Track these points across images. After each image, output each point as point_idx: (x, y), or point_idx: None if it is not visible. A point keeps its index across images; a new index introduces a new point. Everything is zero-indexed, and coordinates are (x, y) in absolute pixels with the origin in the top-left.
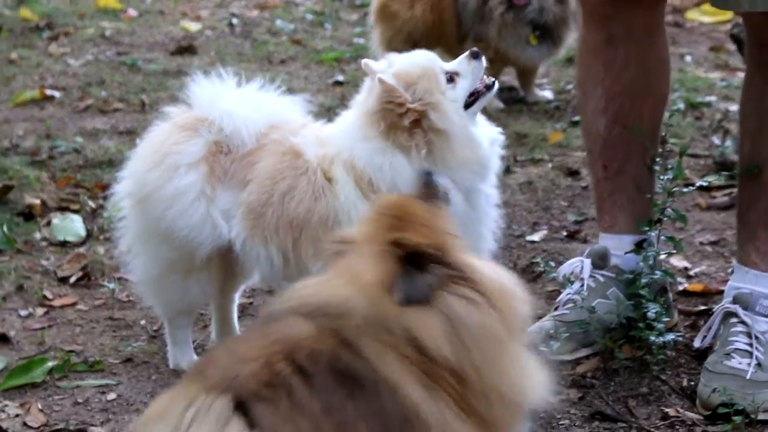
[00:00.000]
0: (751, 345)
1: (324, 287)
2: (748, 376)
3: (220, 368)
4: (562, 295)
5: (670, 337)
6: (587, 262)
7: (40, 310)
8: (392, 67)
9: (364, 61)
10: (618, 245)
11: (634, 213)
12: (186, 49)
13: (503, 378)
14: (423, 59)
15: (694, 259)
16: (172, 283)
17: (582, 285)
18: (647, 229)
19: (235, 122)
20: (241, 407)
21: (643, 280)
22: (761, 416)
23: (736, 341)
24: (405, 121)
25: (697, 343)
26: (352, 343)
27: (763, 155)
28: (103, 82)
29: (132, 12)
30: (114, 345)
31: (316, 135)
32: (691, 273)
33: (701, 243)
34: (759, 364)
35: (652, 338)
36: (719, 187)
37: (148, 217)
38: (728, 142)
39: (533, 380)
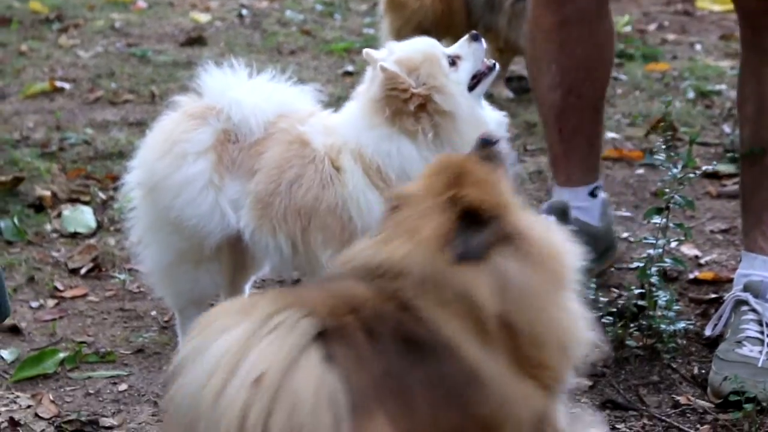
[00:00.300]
0: (762, 333)
1: (381, 246)
2: (759, 364)
3: (298, 297)
4: None
5: (681, 325)
6: (551, 218)
7: (51, 302)
8: (393, 54)
9: (365, 50)
10: (575, 197)
11: (588, 167)
12: (195, 40)
13: (554, 327)
14: (423, 45)
15: (705, 247)
16: (182, 273)
17: None
18: (656, 217)
19: (243, 111)
20: (321, 336)
21: (654, 268)
22: None
23: (747, 329)
24: (410, 106)
25: (708, 332)
26: (411, 306)
27: (765, 138)
28: (113, 74)
29: (141, 3)
30: (125, 336)
31: (324, 124)
32: (702, 261)
33: (712, 231)
34: None
35: (663, 326)
36: (729, 175)
37: (158, 207)
38: (738, 131)
39: (581, 327)
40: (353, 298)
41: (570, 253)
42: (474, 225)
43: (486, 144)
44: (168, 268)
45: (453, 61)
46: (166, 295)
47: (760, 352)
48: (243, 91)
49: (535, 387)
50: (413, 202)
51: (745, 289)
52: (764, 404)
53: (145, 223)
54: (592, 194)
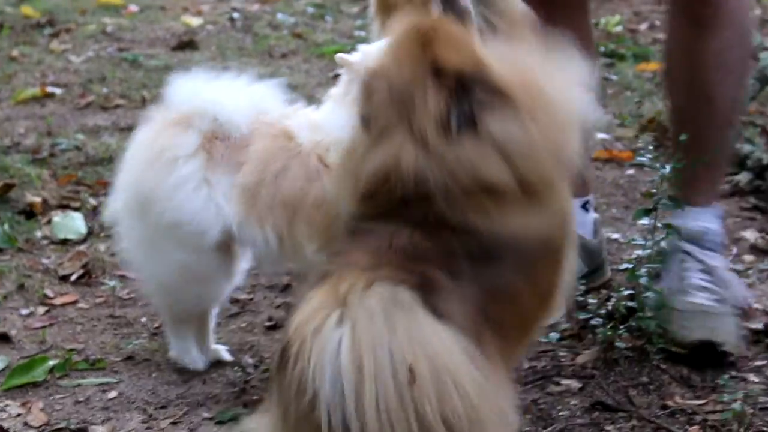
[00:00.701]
0: (708, 280)
1: (380, 149)
2: (712, 311)
3: (372, 267)
4: None
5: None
6: None
7: (41, 309)
8: (367, 57)
9: (337, 55)
10: None
11: (577, 178)
12: (187, 44)
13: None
14: None
15: None
16: (183, 286)
17: None
18: (644, 218)
19: (226, 109)
20: (421, 298)
21: (643, 270)
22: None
23: (692, 276)
24: None
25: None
26: (451, 224)
27: (699, 97)
28: (104, 79)
29: (133, 7)
30: (115, 343)
31: (309, 120)
32: None
33: None
34: (717, 299)
35: (653, 327)
36: None
37: (152, 217)
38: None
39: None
40: (405, 246)
41: (562, 93)
42: (462, 93)
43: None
44: (169, 283)
45: None
46: (165, 309)
47: (709, 299)
48: (217, 92)
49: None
50: (390, 86)
51: (687, 239)
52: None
53: (140, 239)
54: (584, 208)
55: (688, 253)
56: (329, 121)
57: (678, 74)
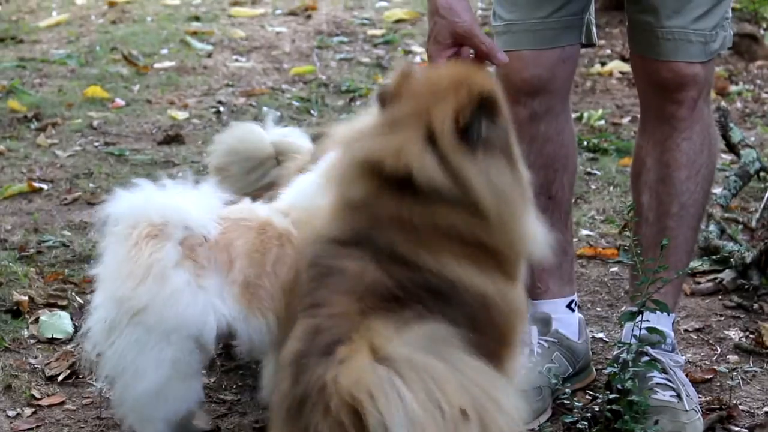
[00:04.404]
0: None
1: (387, 139)
2: (679, 407)
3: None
4: None
5: (657, 428)
6: (534, 329)
7: (28, 410)
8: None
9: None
10: (554, 309)
11: (562, 276)
12: (173, 138)
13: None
14: None
15: (679, 346)
16: (175, 387)
17: (532, 352)
18: (630, 321)
19: (192, 215)
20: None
21: (628, 374)
22: None
23: (654, 376)
24: None
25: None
26: (410, 260)
27: (665, 202)
28: (90, 174)
29: (119, 101)
30: None
31: (275, 209)
32: None
33: (686, 330)
34: (680, 395)
35: (638, 431)
36: (703, 272)
37: (146, 326)
38: (711, 227)
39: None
40: (378, 286)
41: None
42: (485, 111)
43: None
44: (159, 386)
45: None
46: (148, 419)
47: (673, 396)
48: (177, 200)
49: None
50: (424, 82)
51: (641, 341)
52: None
53: (127, 348)
54: (570, 308)
55: (645, 353)
56: (304, 198)
57: (648, 172)
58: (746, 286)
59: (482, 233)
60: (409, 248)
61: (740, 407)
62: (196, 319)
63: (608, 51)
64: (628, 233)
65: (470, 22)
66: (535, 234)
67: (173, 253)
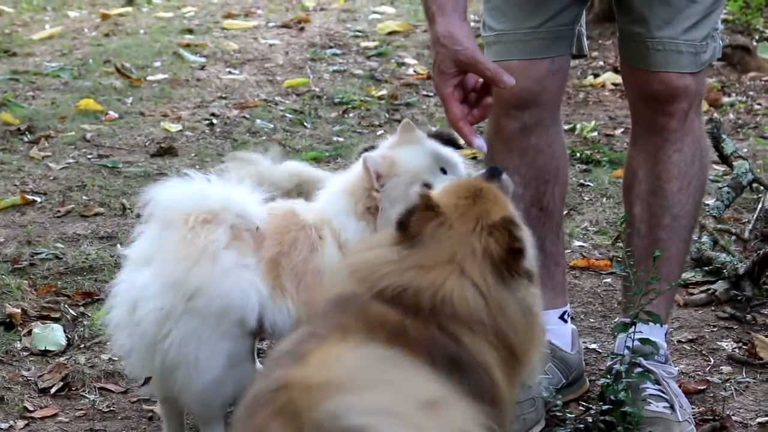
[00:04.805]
0: (661, 390)
1: (419, 272)
2: (672, 418)
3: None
4: None
5: None
6: None
7: (20, 423)
8: (389, 149)
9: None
10: (547, 320)
11: (554, 287)
12: (166, 150)
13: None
14: (418, 157)
15: (672, 357)
16: (231, 374)
17: None
18: (623, 333)
19: (244, 204)
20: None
21: (621, 385)
22: None
23: (647, 387)
24: (367, 202)
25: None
26: (450, 331)
27: (657, 214)
28: (84, 186)
29: (113, 114)
30: None
31: (305, 205)
32: None
33: (679, 341)
34: (673, 407)
35: None
36: (696, 283)
37: (201, 307)
38: (704, 238)
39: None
40: (395, 323)
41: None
42: (512, 241)
43: (493, 173)
44: (214, 372)
45: (428, 185)
46: (206, 407)
47: (666, 407)
48: (232, 191)
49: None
50: (445, 223)
51: (634, 352)
52: None
53: (185, 338)
54: (562, 319)
55: (638, 364)
56: (328, 204)
57: (640, 184)
58: (739, 297)
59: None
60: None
61: (733, 418)
62: (240, 298)
63: (601, 62)
64: (620, 244)
65: (472, 49)
66: (541, 345)
67: (224, 235)
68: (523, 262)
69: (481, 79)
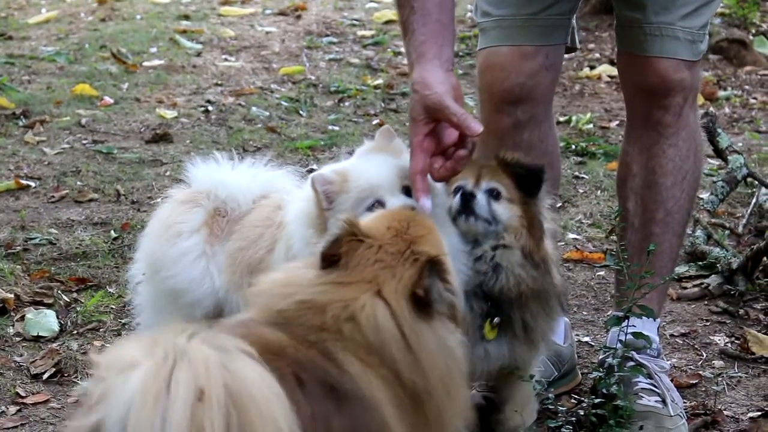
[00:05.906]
0: (653, 384)
1: (337, 288)
2: (664, 413)
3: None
4: None
5: None
6: None
7: (12, 408)
8: (356, 157)
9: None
10: None
11: None
12: (161, 137)
13: (458, 399)
14: (377, 172)
15: (665, 351)
16: None
17: None
18: (616, 326)
19: (229, 189)
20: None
21: (613, 379)
22: None
23: (639, 381)
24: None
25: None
26: (334, 358)
27: (651, 209)
28: (78, 172)
29: (108, 99)
30: None
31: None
32: None
33: (672, 335)
34: (663, 400)
35: None
36: (689, 278)
37: (158, 282)
38: (698, 232)
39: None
40: (272, 343)
41: None
42: (441, 278)
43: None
44: None
45: (380, 202)
46: None
47: (657, 401)
48: (227, 174)
49: None
50: (373, 246)
51: (627, 345)
52: None
53: (148, 302)
54: None
55: (630, 358)
56: (292, 206)
57: (634, 178)
58: (732, 292)
59: (418, 384)
60: (341, 351)
61: (725, 413)
62: (192, 281)
63: (597, 55)
64: (614, 237)
65: (440, 93)
66: (462, 407)
67: (197, 218)
68: (435, 305)
69: (457, 132)
